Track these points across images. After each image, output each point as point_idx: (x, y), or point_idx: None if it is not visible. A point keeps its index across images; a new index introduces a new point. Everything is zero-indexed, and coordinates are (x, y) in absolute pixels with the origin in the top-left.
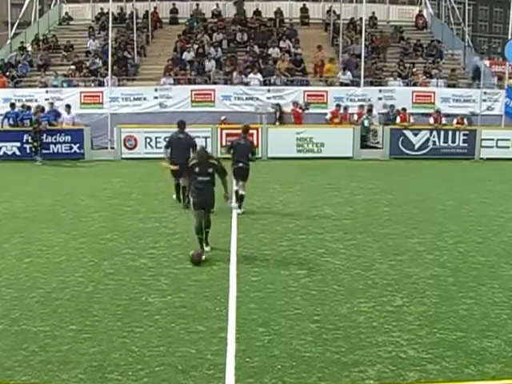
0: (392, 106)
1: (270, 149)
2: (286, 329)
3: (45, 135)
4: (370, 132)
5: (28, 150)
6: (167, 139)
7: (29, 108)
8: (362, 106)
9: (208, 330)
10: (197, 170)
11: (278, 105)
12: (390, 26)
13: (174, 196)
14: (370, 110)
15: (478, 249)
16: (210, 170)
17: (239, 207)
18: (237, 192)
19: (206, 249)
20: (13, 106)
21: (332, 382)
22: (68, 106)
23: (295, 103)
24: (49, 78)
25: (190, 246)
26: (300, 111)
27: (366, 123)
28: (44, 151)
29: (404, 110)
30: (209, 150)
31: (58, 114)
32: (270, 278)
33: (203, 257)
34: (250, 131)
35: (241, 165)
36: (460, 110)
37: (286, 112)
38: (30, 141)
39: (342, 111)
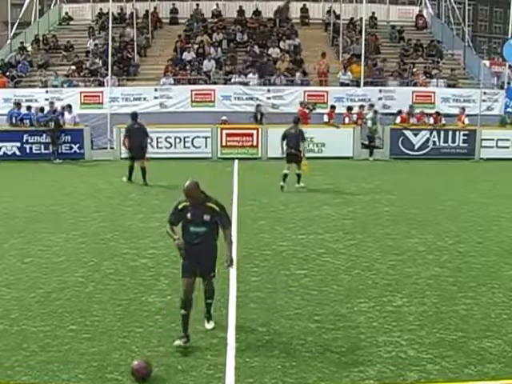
0: (412, 108)
1: (270, 149)
2: (286, 329)
3: (44, 135)
4: (376, 133)
5: (46, 151)
6: (125, 130)
7: (29, 108)
8: (362, 106)
9: (208, 329)
10: (189, 216)
11: (258, 106)
12: (389, 25)
13: (125, 178)
14: (375, 111)
15: (478, 249)
16: (207, 218)
17: (298, 182)
18: (285, 175)
19: (208, 326)
20: (19, 105)
21: (332, 382)
22: (69, 106)
23: (302, 103)
24: (49, 78)
25: None
26: (307, 111)
27: (370, 123)
28: (44, 151)
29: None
30: (209, 149)
31: (60, 114)
32: (269, 278)
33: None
34: (250, 131)
35: (292, 151)
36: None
37: (265, 113)
38: (50, 140)
39: (343, 111)
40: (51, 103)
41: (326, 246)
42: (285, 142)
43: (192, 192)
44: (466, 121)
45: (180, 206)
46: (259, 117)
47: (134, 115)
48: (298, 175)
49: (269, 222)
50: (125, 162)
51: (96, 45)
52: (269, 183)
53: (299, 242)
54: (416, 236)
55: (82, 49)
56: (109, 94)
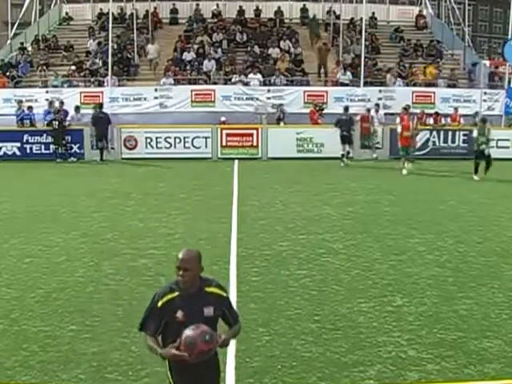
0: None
1: (270, 149)
2: (286, 329)
3: (45, 135)
4: (485, 145)
5: (47, 151)
6: (91, 118)
7: (30, 108)
8: (377, 111)
9: None
10: (179, 315)
11: (281, 105)
12: (389, 25)
13: (97, 158)
14: (483, 120)
15: (478, 249)
16: (209, 312)
17: (348, 157)
18: (343, 155)
19: None
20: (51, 104)
21: (332, 381)
22: (77, 107)
23: (313, 103)
24: (49, 78)
25: None
26: (320, 112)
27: (475, 134)
28: (45, 151)
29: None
30: (209, 150)
31: (66, 114)
32: (269, 277)
33: None
34: (250, 131)
35: (345, 133)
36: (460, 110)
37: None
38: (53, 140)
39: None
40: (50, 103)
41: (326, 245)
42: (339, 126)
43: (191, 264)
44: (462, 120)
45: (161, 302)
46: (282, 116)
47: (101, 106)
48: (349, 153)
49: (269, 221)
50: (125, 162)
51: (99, 43)
52: (269, 183)
53: (299, 242)
54: (416, 236)
55: (82, 49)
56: (109, 94)
